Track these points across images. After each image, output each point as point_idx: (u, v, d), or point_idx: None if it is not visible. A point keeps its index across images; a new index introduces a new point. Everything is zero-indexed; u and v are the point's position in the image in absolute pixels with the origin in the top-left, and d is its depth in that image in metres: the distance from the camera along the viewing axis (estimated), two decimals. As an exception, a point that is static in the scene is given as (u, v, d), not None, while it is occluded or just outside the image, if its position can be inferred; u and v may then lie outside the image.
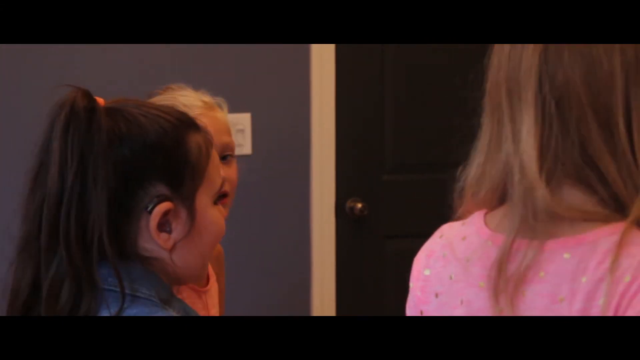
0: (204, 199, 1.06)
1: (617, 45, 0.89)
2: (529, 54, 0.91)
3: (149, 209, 1.01)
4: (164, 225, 1.02)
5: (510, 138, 0.91)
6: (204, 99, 1.45)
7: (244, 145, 2.52)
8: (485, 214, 0.98)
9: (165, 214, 1.02)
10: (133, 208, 1.01)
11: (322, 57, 2.61)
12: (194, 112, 1.36)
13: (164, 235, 1.02)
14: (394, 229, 2.81)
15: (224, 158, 1.43)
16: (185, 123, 1.06)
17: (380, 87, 2.74)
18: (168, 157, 1.02)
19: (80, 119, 0.99)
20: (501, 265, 0.90)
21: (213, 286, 1.51)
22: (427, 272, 1.02)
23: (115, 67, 2.38)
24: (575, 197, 0.90)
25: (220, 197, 1.39)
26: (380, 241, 2.79)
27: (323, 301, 2.69)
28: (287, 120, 2.61)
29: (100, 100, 1.03)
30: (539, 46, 0.91)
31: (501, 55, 0.95)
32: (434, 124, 2.79)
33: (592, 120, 0.88)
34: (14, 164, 2.31)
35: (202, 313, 1.42)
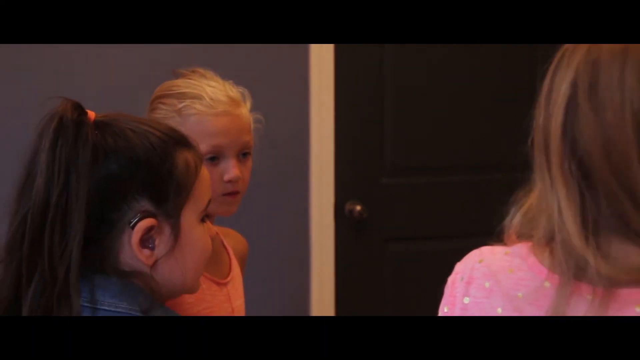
0: (189, 217, 1.05)
1: (629, 110, 0.85)
2: (556, 114, 0.89)
3: (132, 224, 1.01)
4: (147, 241, 1.03)
5: (556, 210, 0.89)
6: (230, 92, 1.41)
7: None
8: (533, 246, 0.95)
9: (149, 230, 1.02)
10: (116, 223, 1.01)
11: (321, 57, 2.60)
12: (218, 108, 1.36)
13: (146, 251, 1.03)
14: (393, 232, 2.80)
15: (243, 155, 1.42)
16: (175, 139, 1.06)
17: (380, 89, 2.73)
18: (153, 173, 1.02)
19: (68, 132, 0.99)
20: (557, 310, 0.87)
21: (236, 277, 1.47)
22: (466, 300, 0.98)
23: (115, 67, 2.37)
24: (629, 254, 0.87)
25: (226, 195, 1.39)
26: (380, 244, 2.78)
27: (322, 304, 2.68)
28: (286, 123, 2.60)
29: (91, 114, 1.03)
30: (562, 108, 0.88)
31: (540, 103, 0.92)
32: (433, 126, 2.78)
33: (622, 195, 0.86)
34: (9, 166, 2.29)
35: (224, 305, 1.40)
